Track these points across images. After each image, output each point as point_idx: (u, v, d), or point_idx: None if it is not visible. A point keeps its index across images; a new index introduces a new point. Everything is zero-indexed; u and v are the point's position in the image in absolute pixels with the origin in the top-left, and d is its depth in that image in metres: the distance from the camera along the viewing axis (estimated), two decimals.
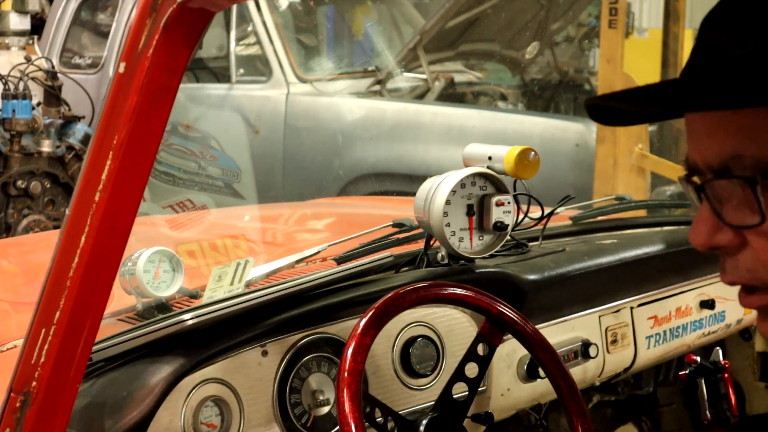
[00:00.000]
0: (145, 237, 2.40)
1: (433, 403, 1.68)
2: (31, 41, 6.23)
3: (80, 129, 5.86)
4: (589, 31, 6.97)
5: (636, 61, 5.89)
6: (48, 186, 5.70)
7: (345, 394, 1.44)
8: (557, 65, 6.77)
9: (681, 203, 3.82)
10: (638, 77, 4.78)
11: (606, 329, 2.06)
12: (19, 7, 6.19)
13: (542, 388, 1.91)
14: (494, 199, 1.88)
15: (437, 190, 1.86)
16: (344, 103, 5.75)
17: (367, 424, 1.51)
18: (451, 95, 5.97)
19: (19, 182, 5.60)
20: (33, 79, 5.74)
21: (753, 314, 2.37)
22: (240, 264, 1.82)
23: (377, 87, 5.89)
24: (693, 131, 0.90)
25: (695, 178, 0.91)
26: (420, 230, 2.10)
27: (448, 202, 1.85)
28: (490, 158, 1.91)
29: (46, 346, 1.28)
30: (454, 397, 1.67)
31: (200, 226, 3.17)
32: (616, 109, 0.90)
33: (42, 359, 1.28)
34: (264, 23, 5.85)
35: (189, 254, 2.30)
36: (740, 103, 0.83)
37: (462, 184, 1.87)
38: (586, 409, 1.68)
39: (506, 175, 1.90)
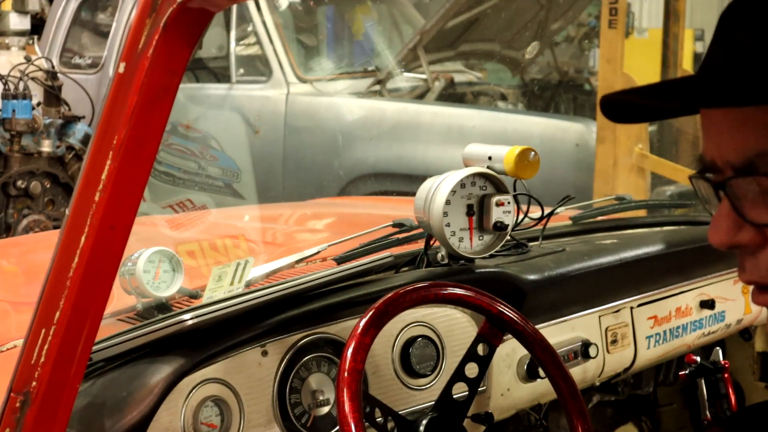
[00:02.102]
0: (145, 237, 2.40)
1: (433, 403, 1.68)
2: (31, 41, 6.23)
3: (80, 129, 5.86)
4: (589, 31, 6.97)
5: (636, 61, 5.90)
6: (48, 186, 5.70)
7: (345, 394, 1.44)
8: (557, 65, 6.77)
9: (681, 203, 3.82)
10: (638, 77, 4.78)
11: (606, 329, 2.06)
12: (19, 7, 6.19)
13: (542, 388, 1.91)
14: (494, 199, 1.88)
15: (437, 190, 1.86)
16: (344, 103, 5.75)
17: (367, 424, 1.51)
18: (451, 95, 5.96)
19: (19, 182, 5.60)
20: (33, 79, 5.74)
21: (753, 314, 2.38)
22: (240, 264, 1.82)
23: (377, 87, 5.89)
24: (712, 127, 0.88)
25: (711, 176, 0.89)
26: (420, 230, 2.10)
27: (448, 202, 1.85)
28: (490, 158, 1.91)
29: (46, 346, 1.28)
30: (454, 397, 1.66)
31: (200, 226, 3.17)
32: (634, 103, 0.88)
33: (42, 359, 1.28)
34: (264, 23, 5.85)
35: (189, 254, 2.30)
36: (766, 99, 0.81)
37: (462, 184, 1.87)
38: (586, 409, 1.68)
39: (506, 175, 1.90)
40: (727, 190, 0.86)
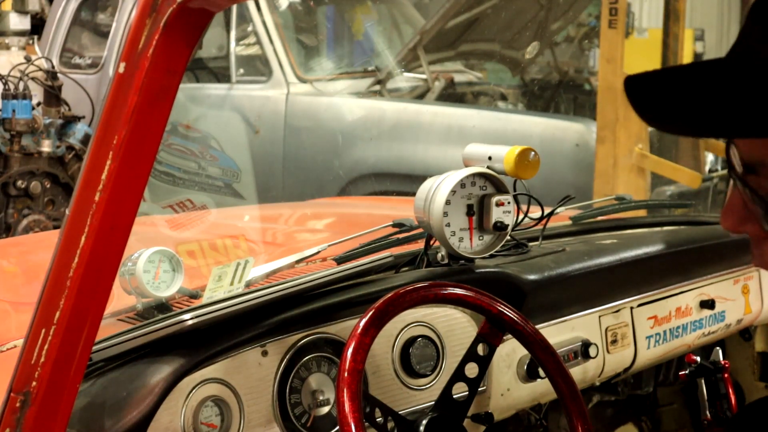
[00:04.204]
0: (145, 237, 2.40)
1: (433, 403, 1.68)
2: (31, 41, 6.23)
3: (80, 129, 5.85)
4: (589, 31, 6.97)
5: (636, 61, 5.89)
6: (48, 186, 5.70)
7: (345, 394, 1.44)
8: (557, 65, 6.77)
9: (681, 203, 3.83)
10: None
11: (606, 329, 2.06)
12: (19, 7, 6.19)
13: (542, 388, 1.91)
14: (494, 199, 1.88)
15: (437, 190, 1.86)
16: (344, 103, 5.75)
17: (367, 424, 1.51)
18: (451, 95, 5.96)
19: (19, 182, 5.60)
20: (33, 79, 5.74)
21: (753, 314, 2.38)
22: (240, 264, 1.82)
23: (377, 87, 5.89)
24: None
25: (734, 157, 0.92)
26: (420, 230, 2.10)
27: (448, 202, 1.85)
28: (490, 158, 1.90)
29: (46, 346, 1.28)
30: (454, 397, 1.66)
31: (200, 226, 3.17)
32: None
33: (42, 359, 1.28)
34: (264, 23, 5.85)
35: (189, 254, 2.30)
36: None
37: (462, 184, 1.87)
38: (586, 409, 1.68)
39: (506, 175, 1.90)
40: (740, 183, 0.91)
